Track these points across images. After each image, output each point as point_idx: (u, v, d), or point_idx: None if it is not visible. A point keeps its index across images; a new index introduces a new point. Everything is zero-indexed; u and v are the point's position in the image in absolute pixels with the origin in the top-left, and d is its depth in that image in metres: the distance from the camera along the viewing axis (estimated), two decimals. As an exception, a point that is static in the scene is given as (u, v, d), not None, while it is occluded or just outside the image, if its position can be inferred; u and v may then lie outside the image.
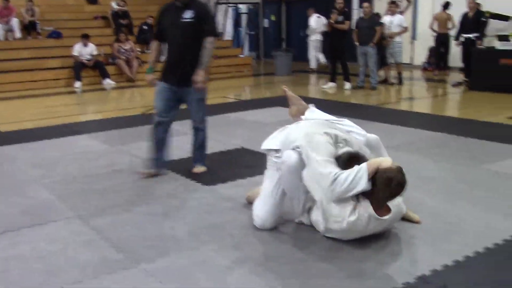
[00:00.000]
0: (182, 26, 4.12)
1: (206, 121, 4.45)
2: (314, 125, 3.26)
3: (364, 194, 2.88)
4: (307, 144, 3.02)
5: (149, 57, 4.51)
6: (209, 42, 4.12)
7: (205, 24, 4.14)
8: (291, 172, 3.06)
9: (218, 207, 3.67)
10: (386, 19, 10.12)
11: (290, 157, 3.06)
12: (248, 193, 3.68)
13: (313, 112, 3.61)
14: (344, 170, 2.87)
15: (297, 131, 3.20)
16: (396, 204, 2.98)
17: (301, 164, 3.02)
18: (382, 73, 10.46)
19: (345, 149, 3.02)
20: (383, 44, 9.85)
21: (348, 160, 2.93)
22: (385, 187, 2.80)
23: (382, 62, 10.17)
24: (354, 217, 2.85)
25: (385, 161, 2.89)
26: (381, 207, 2.90)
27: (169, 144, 4.43)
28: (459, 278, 2.59)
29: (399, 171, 2.83)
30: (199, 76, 4.11)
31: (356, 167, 2.85)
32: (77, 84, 11.15)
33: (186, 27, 4.12)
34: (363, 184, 2.81)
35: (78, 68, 11.28)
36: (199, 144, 4.48)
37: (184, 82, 4.18)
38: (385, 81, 10.30)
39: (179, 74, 4.18)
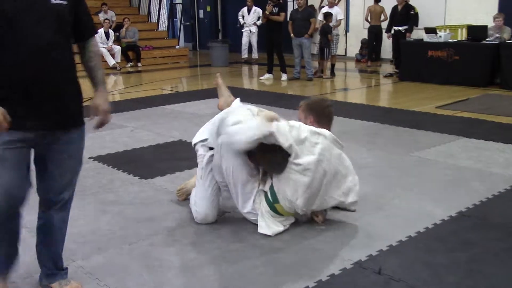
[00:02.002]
0: (48, 13, 2.12)
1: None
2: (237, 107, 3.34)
3: None
4: (227, 112, 3.10)
5: None
6: (95, 45, 2.38)
7: (81, 13, 2.28)
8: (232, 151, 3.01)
9: (156, 200, 3.63)
10: (326, 11, 10.24)
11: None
12: (178, 187, 3.65)
13: (238, 104, 3.65)
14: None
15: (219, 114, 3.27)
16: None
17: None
18: (329, 64, 10.50)
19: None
20: (328, 38, 9.92)
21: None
22: (325, 109, 3.23)
23: (322, 55, 10.21)
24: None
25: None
26: None
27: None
28: (393, 261, 2.69)
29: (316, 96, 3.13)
30: (105, 99, 2.34)
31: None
32: None
33: (55, 17, 2.14)
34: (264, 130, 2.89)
35: None
36: (56, 237, 2.44)
37: (59, 122, 2.22)
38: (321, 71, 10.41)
39: (43, 106, 2.15)
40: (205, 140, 3.24)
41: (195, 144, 3.35)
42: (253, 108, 3.13)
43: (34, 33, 2.09)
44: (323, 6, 10.67)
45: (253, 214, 3.07)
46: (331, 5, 10.38)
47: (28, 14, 2.08)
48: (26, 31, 2.08)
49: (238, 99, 3.67)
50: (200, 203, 3.19)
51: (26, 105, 2.12)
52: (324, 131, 3.03)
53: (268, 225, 3.00)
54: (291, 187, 2.92)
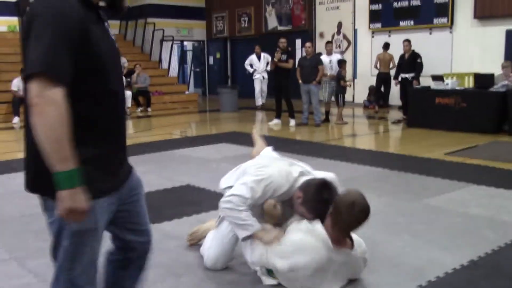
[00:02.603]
0: (118, 57, 1.94)
1: None
2: (270, 159, 3.28)
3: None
4: (255, 170, 3.00)
5: (61, 144, 1.56)
6: None
7: None
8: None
9: (163, 246, 3.59)
10: (325, 59, 10.42)
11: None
12: (190, 232, 3.59)
13: (269, 152, 3.62)
14: (244, 210, 2.83)
15: (251, 163, 3.22)
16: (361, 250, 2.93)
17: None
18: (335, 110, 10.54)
19: (311, 176, 3.04)
20: (341, 84, 10.07)
21: (319, 188, 2.83)
22: (347, 212, 2.61)
23: (338, 102, 10.30)
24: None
25: (271, 240, 2.83)
26: (341, 238, 2.78)
27: None
28: (404, 312, 2.63)
29: (361, 195, 2.65)
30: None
31: (251, 221, 2.83)
32: (16, 119, 10.80)
33: (120, 60, 2.00)
34: (240, 235, 2.87)
35: (16, 103, 10.91)
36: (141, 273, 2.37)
37: (128, 172, 2.03)
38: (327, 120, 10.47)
39: (124, 156, 1.98)
40: (232, 187, 3.16)
41: (222, 189, 3.31)
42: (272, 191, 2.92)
43: (117, 79, 1.84)
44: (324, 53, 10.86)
45: (255, 267, 3.03)
46: (329, 52, 10.58)
47: (112, 59, 1.81)
48: (112, 78, 1.80)
49: (269, 148, 3.65)
50: (214, 248, 3.14)
51: (116, 160, 1.88)
52: (323, 244, 2.71)
53: (272, 277, 2.94)
54: (285, 280, 2.86)
